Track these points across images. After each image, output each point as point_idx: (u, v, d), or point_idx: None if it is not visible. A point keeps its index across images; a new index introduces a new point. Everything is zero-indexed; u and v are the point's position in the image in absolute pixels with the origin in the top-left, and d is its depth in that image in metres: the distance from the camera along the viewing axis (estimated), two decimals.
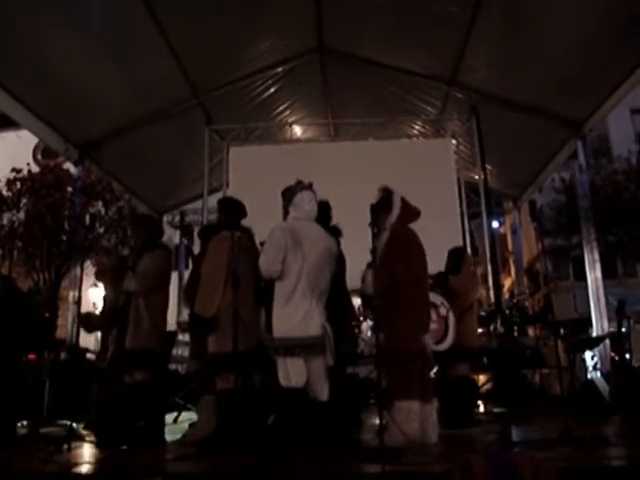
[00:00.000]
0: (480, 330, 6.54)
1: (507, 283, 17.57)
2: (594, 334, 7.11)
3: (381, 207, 3.73)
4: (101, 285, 5.81)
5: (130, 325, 3.98)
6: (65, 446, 3.45)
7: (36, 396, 5.20)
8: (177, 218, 10.51)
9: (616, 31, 5.93)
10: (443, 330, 4.60)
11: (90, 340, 5.72)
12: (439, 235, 6.30)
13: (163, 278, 4.15)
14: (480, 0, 6.40)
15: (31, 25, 5.90)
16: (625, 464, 2.77)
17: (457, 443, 3.78)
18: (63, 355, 6.52)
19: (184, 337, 5.54)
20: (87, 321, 4.76)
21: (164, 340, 4.19)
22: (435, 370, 4.85)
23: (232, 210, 4.09)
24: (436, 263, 4.84)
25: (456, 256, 5.20)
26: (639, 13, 5.55)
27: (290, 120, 10.13)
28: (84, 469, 2.99)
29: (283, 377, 3.48)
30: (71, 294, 7.71)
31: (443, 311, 4.65)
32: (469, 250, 8.68)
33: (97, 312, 5.09)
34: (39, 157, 13.56)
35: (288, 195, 3.80)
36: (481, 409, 6.16)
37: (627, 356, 5.67)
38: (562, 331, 6.40)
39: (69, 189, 7.46)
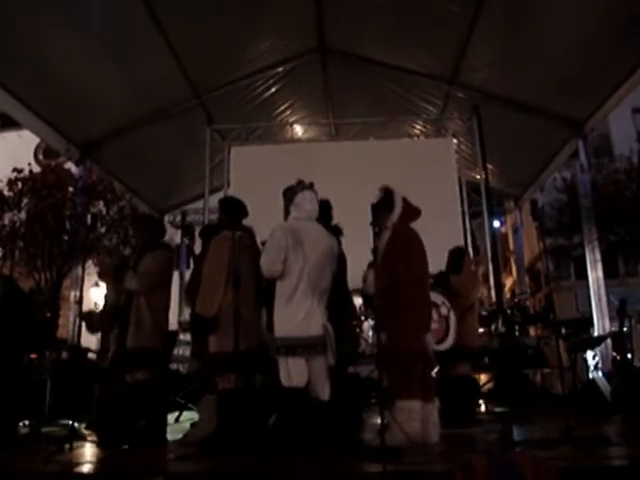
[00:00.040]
0: (481, 330, 6.54)
1: (508, 283, 17.58)
2: (595, 334, 7.11)
3: (382, 206, 3.73)
4: (103, 285, 5.82)
5: (131, 324, 3.98)
6: (67, 446, 3.44)
7: (38, 396, 5.20)
8: (178, 218, 10.50)
9: (616, 31, 5.93)
10: (444, 330, 4.60)
11: (91, 340, 5.72)
12: (440, 235, 6.30)
13: (164, 277, 4.15)
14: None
15: (31, 25, 5.91)
16: (626, 464, 2.76)
17: (458, 443, 3.78)
18: (65, 355, 6.53)
19: (185, 337, 5.53)
20: (89, 320, 4.76)
21: (165, 340, 4.19)
22: (436, 370, 4.85)
23: (233, 210, 4.09)
24: (437, 263, 4.84)
25: (457, 255, 5.20)
26: (639, 13, 5.54)
27: (291, 120, 10.14)
28: (86, 469, 3.00)
29: (284, 377, 3.48)
30: (72, 294, 7.73)
31: (444, 311, 4.65)
32: (470, 250, 8.68)
33: (99, 311, 5.09)
34: (40, 157, 13.59)
35: (289, 195, 3.79)
36: (482, 409, 6.16)
37: (628, 356, 5.67)
38: (563, 331, 6.40)
39: (70, 189, 7.46)
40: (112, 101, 7.60)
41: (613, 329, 6.64)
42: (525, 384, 6.02)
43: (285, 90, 9.34)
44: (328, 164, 8.27)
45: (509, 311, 7.03)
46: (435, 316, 4.42)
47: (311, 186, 3.83)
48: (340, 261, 3.89)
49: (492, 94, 8.11)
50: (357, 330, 6.02)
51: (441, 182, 8.44)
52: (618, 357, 5.80)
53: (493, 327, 6.68)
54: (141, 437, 3.81)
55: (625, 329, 5.74)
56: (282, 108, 9.86)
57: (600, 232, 7.47)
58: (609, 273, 8.32)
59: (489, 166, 8.71)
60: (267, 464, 2.87)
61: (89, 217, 4.99)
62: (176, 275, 4.46)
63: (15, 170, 7.31)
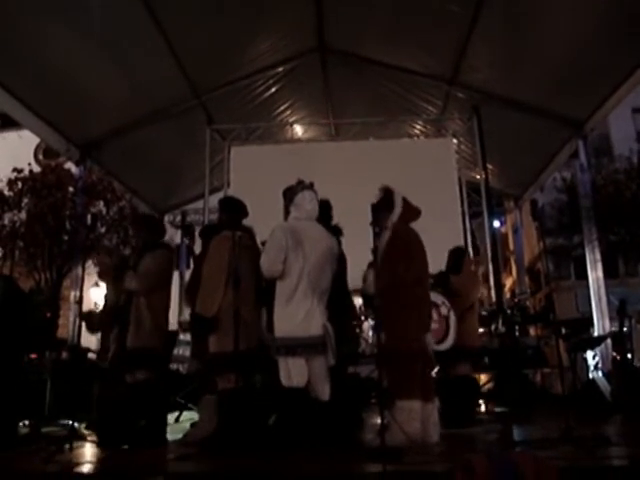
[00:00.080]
0: (481, 330, 6.54)
1: (508, 283, 17.58)
2: (595, 334, 7.11)
3: (382, 206, 3.73)
4: (103, 285, 5.82)
5: (132, 324, 3.97)
6: (67, 446, 3.44)
7: (38, 396, 5.20)
8: (178, 218, 10.49)
9: (616, 31, 5.93)
10: (444, 330, 4.60)
11: (92, 340, 5.72)
12: (440, 235, 6.31)
13: (165, 277, 4.15)
14: None
15: (31, 25, 5.92)
16: (626, 464, 2.77)
17: (458, 442, 3.78)
18: (65, 355, 6.53)
19: (185, 337, 5.54)
20: (89, 320, 4.76)
21: (165, 340, 4.19)
22: (436, 370, 4.85)
23: (233, 210, 4.09)
24: (437, 263, 4.84)
25: (457, 256, 5.19)
26: (639, 13, 5.54)
27: (291, 120, 10.14)
28: (86, 469, 3.00)
29: (284, 377, 3.48)
30: (72, 294, 7.73)
31: (444, 311, 4.65)
32: (470, 250, 8.68)
33: (98, 311, 5.09)
34: (40, 157, 13.58)
35: (289, 195, 3.79)
36: (482, 409, 6.16)
37: (628, 356, 5.67)
38: (563, 331, 6.40)
39: (70, 189, 7.46)
40: (112, 101, 7.60)
41: (613, 329, 6.64)
42: (525, 384, 6.02)
43: (285, 90, 9.34)
44: (328, 164, 8.27)
45: (509, 311, 7.03)
46: (435, 316, 4.42)
47: (311, 186, 3.83)
48: (340, 261, 3.89)
49: (492, 94, 8.10)
50: (357, 330, 6.02)
51: (441, 182, 8.44)
52: (618, 357, 5.79)
53: (493, 327, 6.68)
54: (141, 437, 3.81)
55: (625, 329, 5.74)
56: (282, 108, 9.86)
57: (600, 232, 7.47)
58: (609, 273, 8.32)
59: (489, 166, 8.71)
60: (267, 464, 2.87)
61: (89, 217, 5.00)
62: (176, 275, 4.46)
63: (15, 170, 7.31)
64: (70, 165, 8.18)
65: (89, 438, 4.11)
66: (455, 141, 9.10)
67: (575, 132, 7.82)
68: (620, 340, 5.76)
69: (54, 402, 5.26)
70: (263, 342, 3.79)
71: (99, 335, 4.99)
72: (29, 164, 7.70)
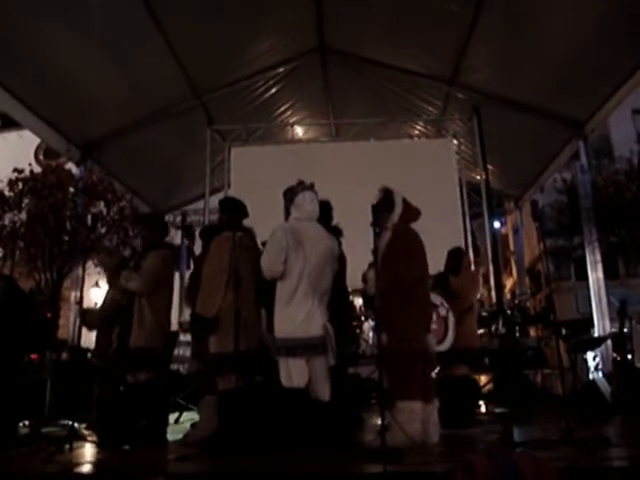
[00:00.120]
0: (482, 330, 6.55)
1: (509, 283, 17.58)
2: (596, 334, 7.10)
3: (382, 207, 3.73)
4: (103, 285, 5.82)
5: (134, 324, 3.97)
6: (67, 446, 3.44)
7: (38, 396, 5.20)
8: (178, 218, 10.49)
9: (616, 31, 5.93)
10: (443, 331, 4.60)
11: (92, 340, 5.72)
12: (441, 235, 6.31)
13: (166, 278, 4.15)
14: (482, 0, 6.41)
15: (31, 25, 5.92)
16: (626, 465, 2.76)
17: (459, 443, 3.78)
18: (65, 355, 6.53)
19: (185, 337, 5.54)
20: (87, 317, 4.76)
21: (166, 340, 4.19)
22: (436, 370, 4.85)
23: (233, 210, 4.09)
24: (437, 263, 4.84)
25: (455, 256, 5.18)
26: (639, 13, 5.54)
27: (291, 120, 10.14)
28: (86, 469, 2.99)
29: (285, 377, 3.48)
30: (73, 294, 7.73)
31: (443, 311, 4.65)
32: (471, 250, 8.68)
33: (97, 309, 5.10)
34: (41, 157, 13.59)
35: (290, 195, 3.79)
36: (483, 409, 6.16)
37: (629, 357, 5.66)
38: (564, 331, 6.40)
39: (71, 189, 7.46)
40: (112, 101, 7.60)
41: (613, 330, 6.63)
42: (525, 385, 6.02)
43: (285, 91, 9.34)
44: (328, 165, 8.27)
45: (509, 312, 7.03)
46: (434, 317, 4.42)
47: (312, 187, 3.83)
48: (340, 262, 3.89)
49: (492, 94, 8.10)
50: (357, 331, 6.03)
51: (441, 183, 8.44)
52: (618, 358, 5.79)
53: (493, 328, 6.68)
54: (141, 437, 3.81)
55: (625, 330, 5.74)
56: (282, 109, 9.86)
57: (600, 233, 7.47)
58: (609, 274, 8.32)
59: (489, 167, 8.70)
60: (267, 464, 2.87)
61: (89, 217, 4.99)
62: (176, 276, 4.46)
63: (16, 170, 7.31)
64: (71, 165, 8.18)
65: (89, 438, 4.10)
66: (455, 142, 9.09)
67: (575, 133, 7.82)
68: (620, 341, 5.76)
69: (54, 402, 5.26)
70: (263, 343, 3.79)
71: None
72: (30, 164, 7.69)
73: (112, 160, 8.49)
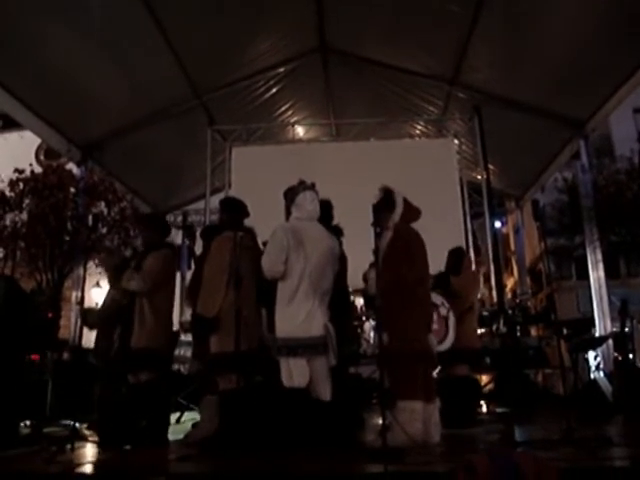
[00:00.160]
0: (483, 330, 6.55)
1: (510, 283, 17.55)
2: (597, 334, 7.10)
3: (383, 207, 3.73)
4: (104, 285, 5.82)
5: (135, 325, 3.97)
6: (68, 446, 3.44)
7: (39, 396, 5.19)
8: (179, 218, 10.53)
9: (616, 31, 5.92)
10: (443, 331, 4.60)
11: (93, 340, 5.73)
12: (441, 235, 6.31)
13: (168, 278, 4.16)
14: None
15: (31, 25, 5.92)
16: (628, 464, 2.76)
17: (460, 443, 3.78)
18: (66, 355, 6.53)
19: (186, 337, 5.54)
20: (88, 317, 4.76)
21: (168, 340, 4.19)
22: (437, 370, 4.85)
23: (234, 210, 4.09)
24: (438, 263, 4.84)
25: (456, 256, 5.18)
26: (639, 13, 5.54)
27: (292, 120, 10.14)
28: (87, 469, 3.00)
29: (286, 377, 3.48)
30: (74, 294, 7.73)
31: (443, 311, 4.65)
32: (472, 250, 8.68)
33: (97, 309, 5.09)
34: (42, 158, 13.58)
35: (290, 195, 3.80)
36: (484, 409, 6.16)
37: (630, 356, 5.66)
38: (565, 331, 6.40)
39: (72, 190, 7.45)
40: (113, 101, 7.60)
41: (614, 329, 6.63)
42: (526, 384, 6.02)
43: (286, 91, 9.34)
44: (329, 164, 8.28)
45: (510, 311, 7.04)
46: (434, 317, 4.42)
47: (312, 186, 3.83)
48: (341, 261, 3.89)
49: (493, 94, 8.10)
50: (358, 330, 6.03)
51: (442, 182, 8.44)
52: (620, 357, 5.79)
53: (494, 327, 6.68)
54: (143, 437, 3.81)
55: (627, 329, 5.73)
56: (283, 109, 9.86)
57: (601, 232, 7.46)
58: (610, 273, 8.31)
59: (490, 166, 8.70)
60: (268, 464, 2.87)
61: (90, 218, 4.99)
62: (177, 276, 4.46)
63: (16, 171, 7.30)
64: (71, 166, 8.18)
65: (90, 438, 4.11)
66: (456, 141, 9.09)
67: (576, 132, 7.81)
68: (622, 340, 5.75)
69: (55, 402, 5.26)
70: (264, 342, 3.79)
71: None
72: (30, 165, 7.68)
73: (113, 160, 8.49)
